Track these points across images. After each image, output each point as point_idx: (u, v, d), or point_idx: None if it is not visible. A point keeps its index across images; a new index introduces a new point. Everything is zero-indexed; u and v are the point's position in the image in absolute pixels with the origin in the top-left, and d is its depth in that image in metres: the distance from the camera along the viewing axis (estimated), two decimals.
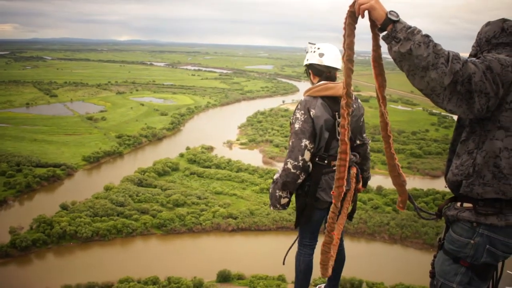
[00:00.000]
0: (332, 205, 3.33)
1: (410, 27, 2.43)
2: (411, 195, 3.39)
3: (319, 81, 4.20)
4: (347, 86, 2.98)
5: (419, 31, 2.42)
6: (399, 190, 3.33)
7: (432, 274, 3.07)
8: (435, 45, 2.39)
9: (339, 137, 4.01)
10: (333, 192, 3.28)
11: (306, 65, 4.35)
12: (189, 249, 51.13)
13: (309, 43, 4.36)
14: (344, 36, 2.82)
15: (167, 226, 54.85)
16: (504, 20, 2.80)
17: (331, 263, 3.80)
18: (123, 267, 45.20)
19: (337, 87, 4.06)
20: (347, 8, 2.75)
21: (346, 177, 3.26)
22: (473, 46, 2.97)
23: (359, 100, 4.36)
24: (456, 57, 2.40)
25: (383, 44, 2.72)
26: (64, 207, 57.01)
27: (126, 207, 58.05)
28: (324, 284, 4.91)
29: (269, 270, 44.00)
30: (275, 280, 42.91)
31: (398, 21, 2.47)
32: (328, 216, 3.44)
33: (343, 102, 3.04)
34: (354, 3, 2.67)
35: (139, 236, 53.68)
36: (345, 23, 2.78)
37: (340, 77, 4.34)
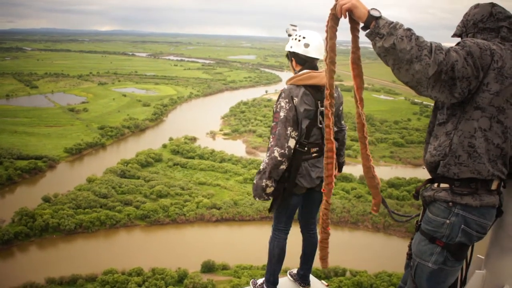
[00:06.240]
0: (324, 201, 3.37)
1: (392, 22, 2.48)
2: (384, 199, 3.50)
3: (301, 70, 4.18)
4: (330, 88, 3.01)
5: (401, 25, 2.46)
6: (373, 192, 3.41)
7: (409, 256, 3.15)
8: (417, 37, 2.43)
9: (320, 126, 4.06)
10: (323, 190, 3.33)
11: (289, 51, 4.29)
12: (173, 240, 51.12)
13: (291, 25, 4.32)
14: (326, 38, 2.84)
15: (151, 217, 54.77)
16: (493, 5, 2.84)
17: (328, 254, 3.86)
18: (107, 259, 45.04)
19: (320, 76, 4.06)
20: (329, 11, 2.75)
21: (334, 173, 3.30)
22: (458, 26, 3.02)
23: (339, 89, 4.38)
24: (439, 47, 2.44)
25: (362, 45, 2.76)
26: (46, 199, 56.51)
27: (109, 198, 57.83)
28: (297, 269, 4.94)
29: (253, 260, 44.23)
30: (259, 270, 43.00)
31: (380, 17, 2.51)
32: (321, 213, 3.47)
33: (326, 102, 3.07)
34: (335, 5, 2.68)
35: (123, 227, 53.51)
36: (327, 25, 2.80)
37: (322, 66, 4.35)
